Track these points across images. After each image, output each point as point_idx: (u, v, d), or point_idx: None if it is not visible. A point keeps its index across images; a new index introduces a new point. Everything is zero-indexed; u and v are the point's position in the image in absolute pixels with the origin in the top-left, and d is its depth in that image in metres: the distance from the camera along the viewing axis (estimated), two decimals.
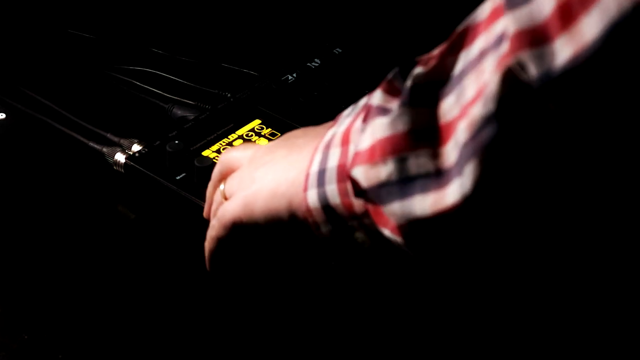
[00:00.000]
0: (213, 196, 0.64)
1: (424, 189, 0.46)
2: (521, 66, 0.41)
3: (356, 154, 0.50)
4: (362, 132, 0.50)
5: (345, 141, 0.52)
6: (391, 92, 0.50)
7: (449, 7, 0.92)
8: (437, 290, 0.66)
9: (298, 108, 0.85)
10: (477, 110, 0.43)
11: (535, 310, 0.61)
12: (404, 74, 0.49)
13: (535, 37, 0.40)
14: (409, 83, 0.47)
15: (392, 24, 1.04)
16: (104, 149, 0.83)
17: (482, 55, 0.43)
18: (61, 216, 0.79)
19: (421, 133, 0.47)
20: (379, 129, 0.48)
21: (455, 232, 0.46)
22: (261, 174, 0.58)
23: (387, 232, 0.49)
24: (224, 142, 0.80)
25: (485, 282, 0.61)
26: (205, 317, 0.70)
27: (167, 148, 0.78)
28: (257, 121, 0.83)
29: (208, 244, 0.63)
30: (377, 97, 0.51)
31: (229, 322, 0.70)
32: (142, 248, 0.76)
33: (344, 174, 0.51)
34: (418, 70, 0.48)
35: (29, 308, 0.71)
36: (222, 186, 0.62)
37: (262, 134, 0.81)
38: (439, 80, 0.47)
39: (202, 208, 0.68)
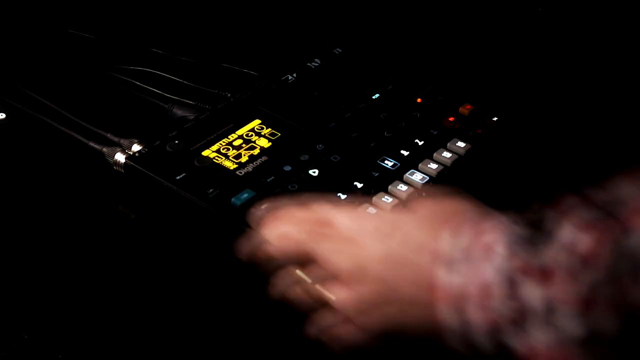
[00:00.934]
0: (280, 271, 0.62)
1: None
2: None
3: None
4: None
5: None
6: None
7: (449, 7, 0.92)
8: None
9: (298, 108, 0.85)
10: None
11: None
12: None
13: None
14: None
15: (392, 24, 1.04)
16: (104, 149, 0.83)
17: None
18: (61, 216, 0.79)
19: None
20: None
21: None
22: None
23: None
24: (224, 142, 0.80)
25: None
26: (205, 317, 0.70)
27: (167, 148, 0.78)
28: (257, 121, 0.83)
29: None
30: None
31: (229, 322, 0.70)
32: (142, 248, 0.76)
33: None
34: None
35: (29, 308, 0.71)
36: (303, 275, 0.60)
37: (262, 134, 0.81)
38: None
39: (202, 208, 0.68)
